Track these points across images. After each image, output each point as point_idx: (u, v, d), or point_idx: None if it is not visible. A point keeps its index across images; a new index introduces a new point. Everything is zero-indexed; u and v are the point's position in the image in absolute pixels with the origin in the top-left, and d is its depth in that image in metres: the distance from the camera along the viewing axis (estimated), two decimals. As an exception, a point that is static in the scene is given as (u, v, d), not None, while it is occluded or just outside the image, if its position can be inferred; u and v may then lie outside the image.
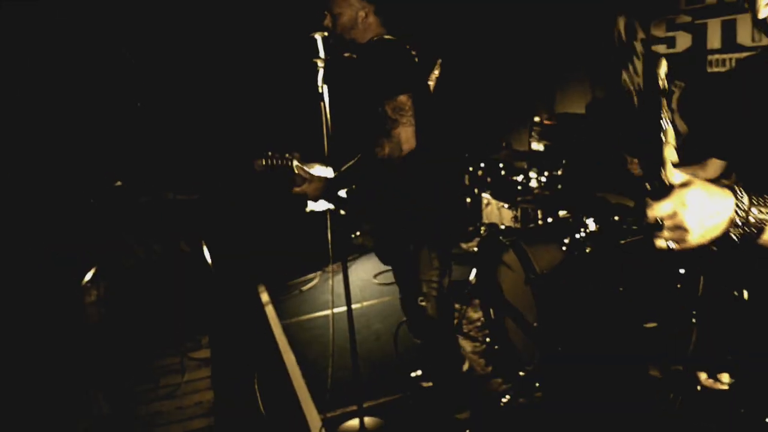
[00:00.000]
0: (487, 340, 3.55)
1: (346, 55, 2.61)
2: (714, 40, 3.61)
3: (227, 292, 4.75)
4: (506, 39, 5.47)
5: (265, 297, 4.85)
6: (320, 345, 3.88)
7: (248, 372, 3.44)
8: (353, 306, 2.74)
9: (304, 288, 4.97)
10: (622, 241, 2.73)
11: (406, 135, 2.29)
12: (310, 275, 5.19)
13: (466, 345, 3.65)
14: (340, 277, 2.78)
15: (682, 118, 3.94)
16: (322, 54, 2.47)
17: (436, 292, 2.61)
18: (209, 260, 4.51)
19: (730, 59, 3.53)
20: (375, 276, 5.01)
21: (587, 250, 2.78)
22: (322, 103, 2.52)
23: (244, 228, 5.48)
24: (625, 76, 4.45)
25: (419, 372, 3.17)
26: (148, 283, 4.39)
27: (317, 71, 2.50)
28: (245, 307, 4.72)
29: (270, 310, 4.58)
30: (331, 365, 2.89)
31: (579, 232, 2.90)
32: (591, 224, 2.87)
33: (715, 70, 3.63)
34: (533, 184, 3.73)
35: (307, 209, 5.68)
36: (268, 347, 3.97)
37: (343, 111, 2.67)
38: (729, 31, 3.51)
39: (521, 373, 3.13)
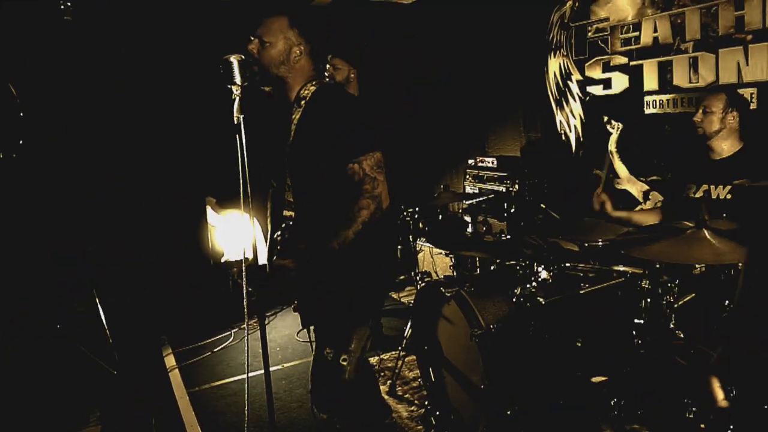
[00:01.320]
0: (426, 403, 3.13)
1: (267, 89, 2.23)
2: (650, 81, 3.52)
3: (124, 357, 4.11)
4: (439, 80, 5.30)
5: (170, 361, 4.22)
6: (234, 414, 3.33)
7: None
8: (273, 368, 2.27)
9: (216, 349, 4.39)
10: (581, 291, 2.43)
11: (386, 192, 2.07)
12: (225, 333, 4.62)
13: (402, 410, 3.22)
14: (257, 334, 2.33)
15: (621, 160, 3.81)
16: (238, 80, 2.07)
17: (360, 352, 2.21)
18: (103, 319, 3.87)
19: (668, 100, 3.44)
20: (298, 333, 4.51)
21: (540, 301, 2.46)
22: (237, 136, 2.11)
23: (146, 281, 4.85)
24: (560, 117, 4.28)
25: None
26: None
27: (232, 99, 2.10)
28: (145, 374, 4.07)
29: (175, 377, 3.97)
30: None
31: (529, 281, 2.59)
32: (542, 272, 2.57)
33: (652, 111, 3.53)
34: (470, 229, 3.44)
35: (222, 259, 5.17)
36: (171, 421, 3.36)
37: (264, 149, 2.30)
38: (665, 73, 3.43)
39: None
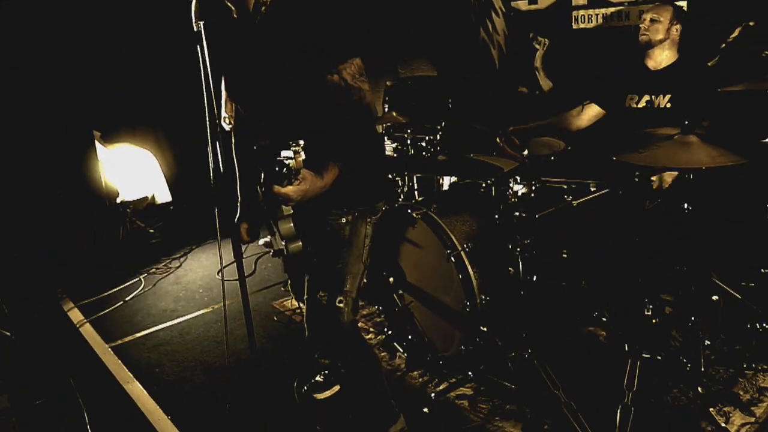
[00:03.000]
0: (385, 330, 3.08)
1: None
2: (579, -6, 3.55)
3: (18, 316, 3.57)
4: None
5: (76, 315, 3.73)
6: (175, 364, 3.05)
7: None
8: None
9: (128, 298, 3.95)
10: (574, 203, 2.44)
11: (373, 99, 1.87)
12: (133, 281, 4.17)
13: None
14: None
15: (547, 76, 3.86)
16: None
17: (356, 292, 2.05)
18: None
19: (597, 15, 3.50)
20: (218, 272, 4.20)
21: (529, 215, 2.44)
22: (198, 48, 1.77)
23: (30, 228, 4.19)
24: (483, 33, 4.17)
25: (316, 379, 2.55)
26: None
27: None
28: (48, 332, 3.57)
29: (88, 331, 3.52)
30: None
31: (506, 197, 2.56)
32: (520, 187, 2.54)
33: (582, 26, 3.58)
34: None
35: (118, 199, 4.57)
36: (97, 380, 2.99)
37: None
38: (595, -14, 3.47)
39: (440, 362, 2.73)
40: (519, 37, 3.93)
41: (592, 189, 2.45)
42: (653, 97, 2.92)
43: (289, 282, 2.39)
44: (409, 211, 2.69)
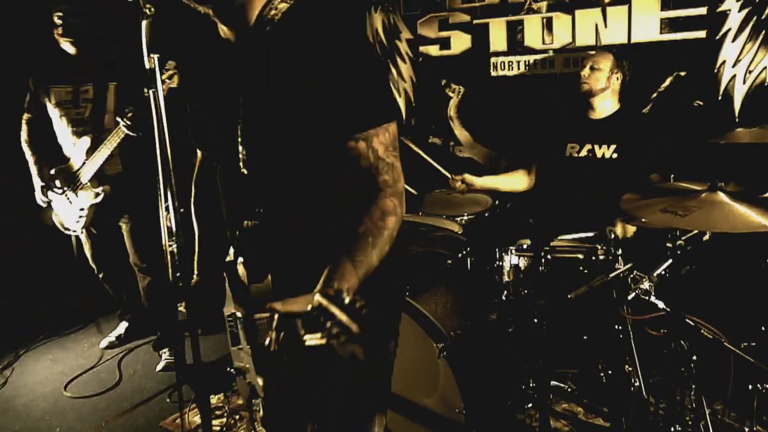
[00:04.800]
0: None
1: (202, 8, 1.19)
2: (498, 41, 3.32)
3: None
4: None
5: None
6: None
7: None
8: None
9: None
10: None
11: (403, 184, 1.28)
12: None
13: None
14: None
15: (462, 126, 3.56)
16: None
17: None
18: None
19: (519, 62, 3.29)
20: (65, 387, 3.12)
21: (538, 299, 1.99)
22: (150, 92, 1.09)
23: None
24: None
25: None
26: None
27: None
28: None
29: None
30: None
31: (496, 271, 2.10)
32: (512, 258, 2.10)
33: (501, 74, 3.35)
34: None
35: None
36: None
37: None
38: (515, 33, 3.27)
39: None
40: (429, 85, 3.60)
41: (614, 259, 2.08)
42: (595, 146, 2.76)
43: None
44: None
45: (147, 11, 1.02)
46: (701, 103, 2.89)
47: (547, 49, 3.19)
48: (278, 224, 1.28)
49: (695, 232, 1.98)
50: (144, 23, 1.00)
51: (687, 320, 2.04)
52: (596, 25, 3.04)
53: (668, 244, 1.90)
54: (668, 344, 2.10)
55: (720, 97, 2.85)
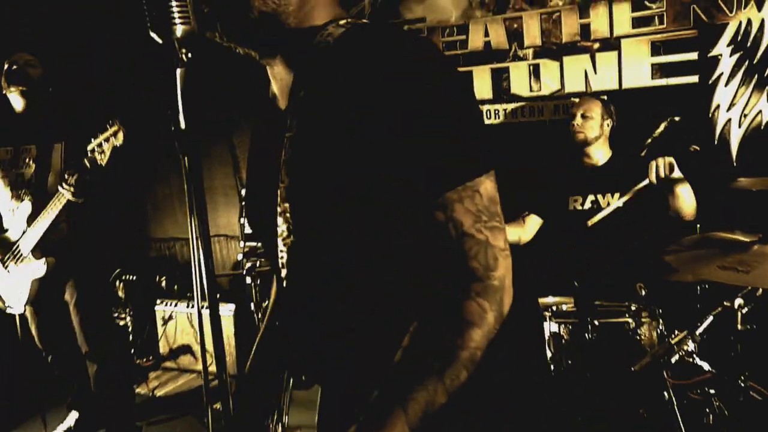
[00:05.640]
0: None
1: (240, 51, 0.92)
2: (483, 89, 3.19)
3: None
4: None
5: None
6: None
7: None
8: None
9: None
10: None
11: (510, 276, 0.86)
12: None
13: None
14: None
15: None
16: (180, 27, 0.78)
17: None
18: None
19: (505, 110, 3.16)
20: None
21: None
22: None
23: None
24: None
25: None
26: None
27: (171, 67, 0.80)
28: None
29: None
30: None
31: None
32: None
33: (487, 121, 3.21)
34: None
35: None
36: None
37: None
38: (500, 80, 3.15)
39: None
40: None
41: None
42: (599, 195, 2.63)
43: None
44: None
45: (183, 57, 0.76)
46: (697, 148, 2.82)
47: (535, 96, 3.09)
48: (322, 329, 0.97)
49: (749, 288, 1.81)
50: (179, 71, 0.74)
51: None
52: (585, 72, 2.96)
53: (725, 303, 1.71)
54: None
55: (716, 142, 2.80)
